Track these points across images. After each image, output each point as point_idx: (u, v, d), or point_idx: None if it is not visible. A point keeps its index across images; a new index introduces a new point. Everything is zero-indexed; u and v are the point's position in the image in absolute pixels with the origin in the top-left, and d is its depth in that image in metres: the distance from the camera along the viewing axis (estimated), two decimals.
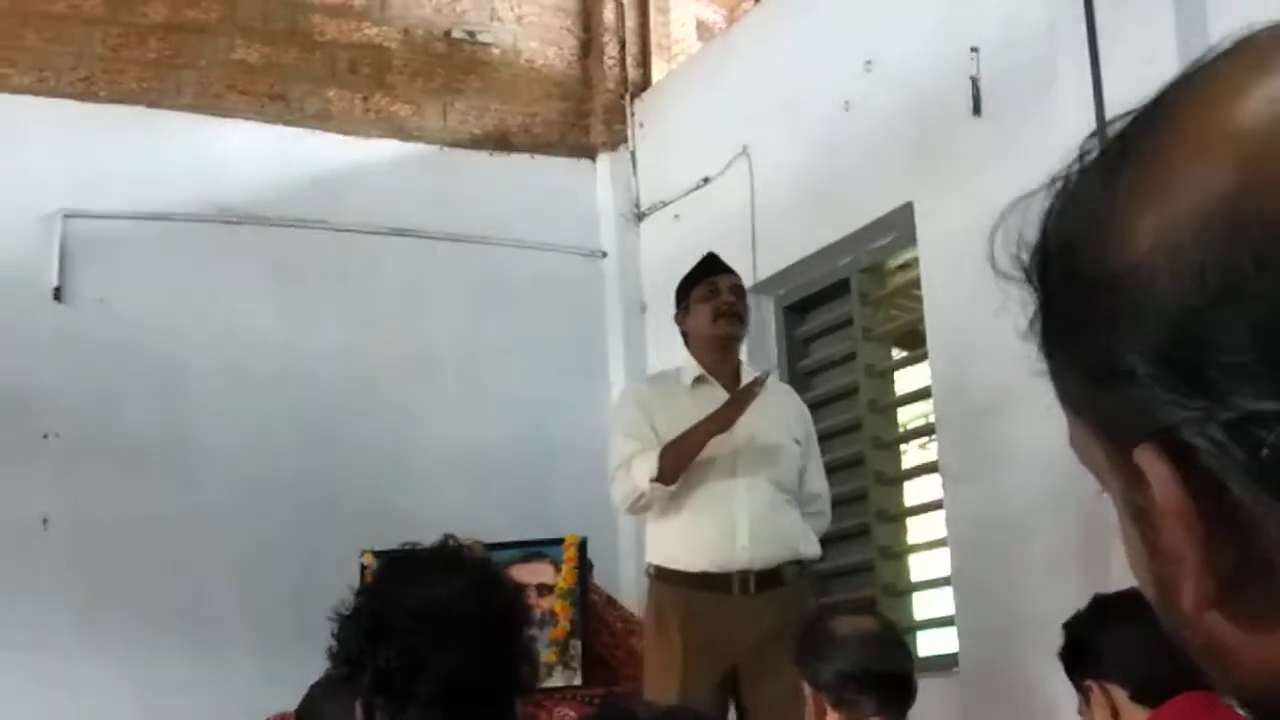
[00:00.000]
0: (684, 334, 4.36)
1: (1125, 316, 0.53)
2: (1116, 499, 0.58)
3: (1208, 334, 0.51)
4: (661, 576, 4.19)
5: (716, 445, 4.12)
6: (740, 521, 4.11)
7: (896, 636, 2.97)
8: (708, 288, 4.33)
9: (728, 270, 4.41)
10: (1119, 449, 0.56)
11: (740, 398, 4.07)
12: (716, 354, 4.31)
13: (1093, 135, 0.59)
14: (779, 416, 4.29)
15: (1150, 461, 0.53)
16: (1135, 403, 0.53)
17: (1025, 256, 0.58)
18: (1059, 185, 0.58)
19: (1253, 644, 0.54)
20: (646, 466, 4.10)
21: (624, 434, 4.25)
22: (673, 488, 4.11)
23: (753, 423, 4.17)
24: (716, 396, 4.23)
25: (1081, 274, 0.55)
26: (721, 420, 4.06)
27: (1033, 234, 0.58)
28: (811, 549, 4.25)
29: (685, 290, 4.38)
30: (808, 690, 2.81)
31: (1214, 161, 0.52)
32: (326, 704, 2.62)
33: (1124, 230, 0.54)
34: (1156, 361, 0.52)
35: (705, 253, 4.49)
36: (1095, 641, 2.52)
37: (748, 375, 4.31)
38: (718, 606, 4.08)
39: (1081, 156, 0.58)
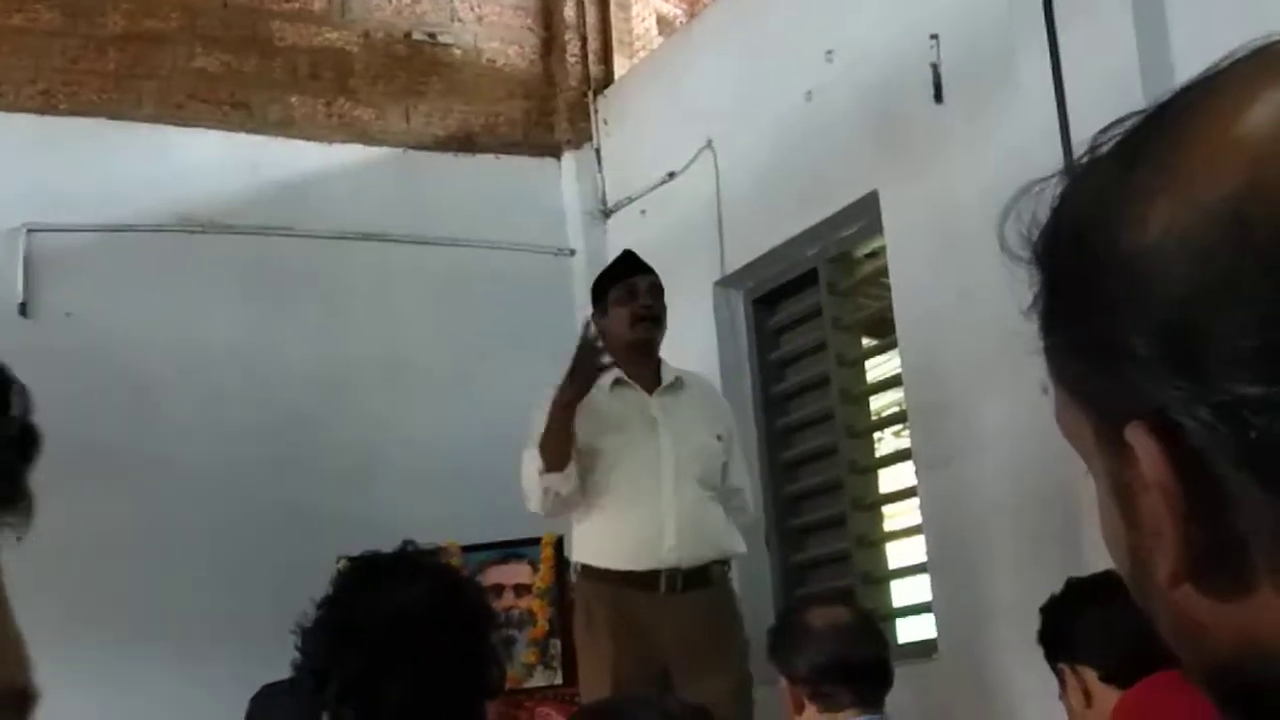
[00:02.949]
0: (600, 334, 4.24)
1: (1130, 298, 0.56)
2: (1099, 475, 0.61)
3: (1208, 320, 0.53)
4: (589, 574, 4.16)
5: (643, 444, 4.13)
6: (668, 521, 4.08)
7: (870, 624, 2.96)
8: (625, 289, 4.26)
9: (646, 270, 4.34)
10: (1110, 426, 0.58)
11: (580, 364, 3.98)
12: (635, 357, 4.26)
13: (1106, 129, 0.61)
14: (698, 413, 4.28)
15: (1140, 438, 0.56)
16: (1131, 381, 0.56)
17: (1035, 236, 0.61)
18: (1072, 172, 0.61)
19: (1222, 614, 0.57)
20: (533, 462, 4.07)
21: (529, 440, 4.16)
22: (568, 473, 4.04)
23: (675, 421, 4.18)
24: (635, 399, 4.22)
25: (1091, 255, 0.58)
26: (570, 392, 3.98)
27: (1043, 216, 0.61)
28: (736, 546, 4.25)
29: (602, 290, 4.33)
30: (783, 684, 2.80)
31: (1226, 160, 0.55)
32: (275, 709, 2.62)
33: (1136, 216, 0.56)
34: (1157, 343, 0.55)
35: (622, 250, 4.47)
36: (1068, 624, 2.53)
37: (669, 374, 4.30)
38: (644, 604, 4.07)
39: (1095, 148, 0.61)
